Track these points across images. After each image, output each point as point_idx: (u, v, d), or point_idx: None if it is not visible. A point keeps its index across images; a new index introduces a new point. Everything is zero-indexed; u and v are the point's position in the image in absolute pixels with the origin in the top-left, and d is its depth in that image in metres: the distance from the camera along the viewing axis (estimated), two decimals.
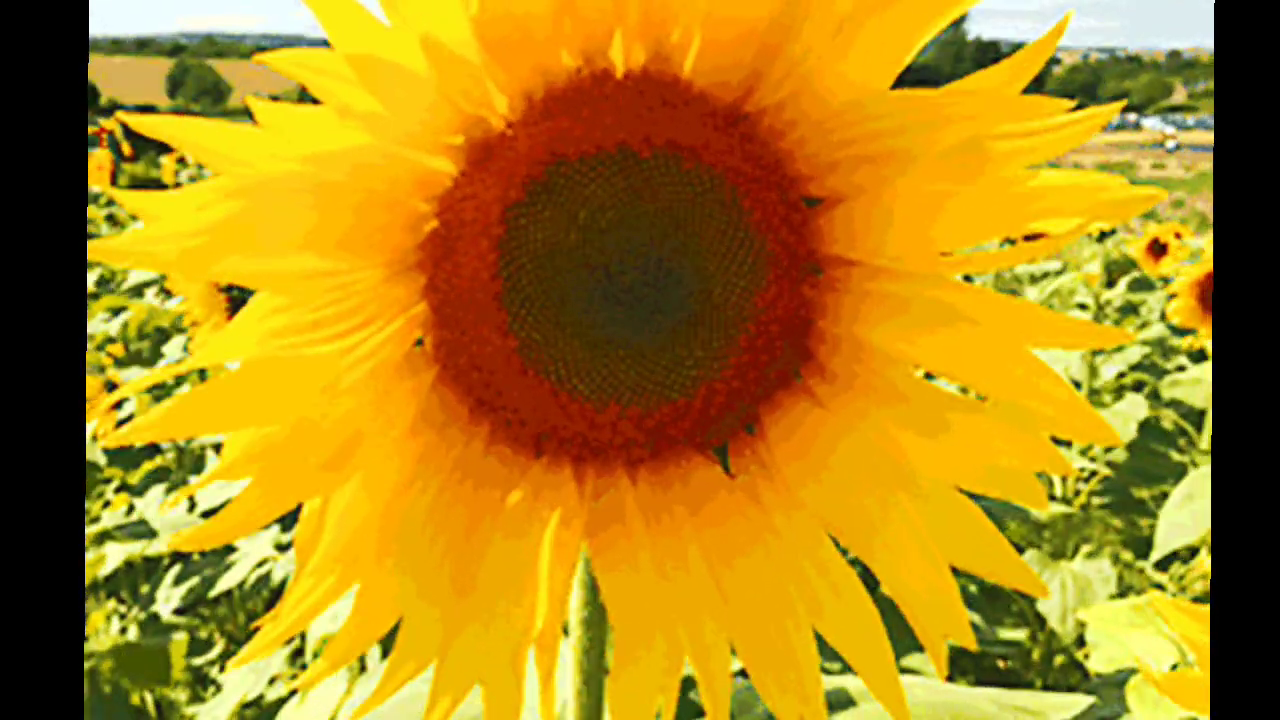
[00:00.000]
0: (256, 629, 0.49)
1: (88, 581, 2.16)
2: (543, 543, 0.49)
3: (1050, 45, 0.42)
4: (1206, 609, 0.51)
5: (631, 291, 0.51)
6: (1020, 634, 2.69)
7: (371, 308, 0.50)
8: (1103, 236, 3.04)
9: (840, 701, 0.83)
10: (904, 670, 0.50)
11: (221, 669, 2.41)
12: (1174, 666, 1.43)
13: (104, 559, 2.26)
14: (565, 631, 0.52)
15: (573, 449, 0.53)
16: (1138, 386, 3.48)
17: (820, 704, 0.47)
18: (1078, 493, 3.29)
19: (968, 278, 0.48)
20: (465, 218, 0.50)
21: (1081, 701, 0.80)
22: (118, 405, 2.67)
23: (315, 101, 0.45)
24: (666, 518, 0.51)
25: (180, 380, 2.82)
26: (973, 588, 2.99)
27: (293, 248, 0.45)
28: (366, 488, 0.49)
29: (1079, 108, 0.43)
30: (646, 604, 0.49)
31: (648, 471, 0.53)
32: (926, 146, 0.43)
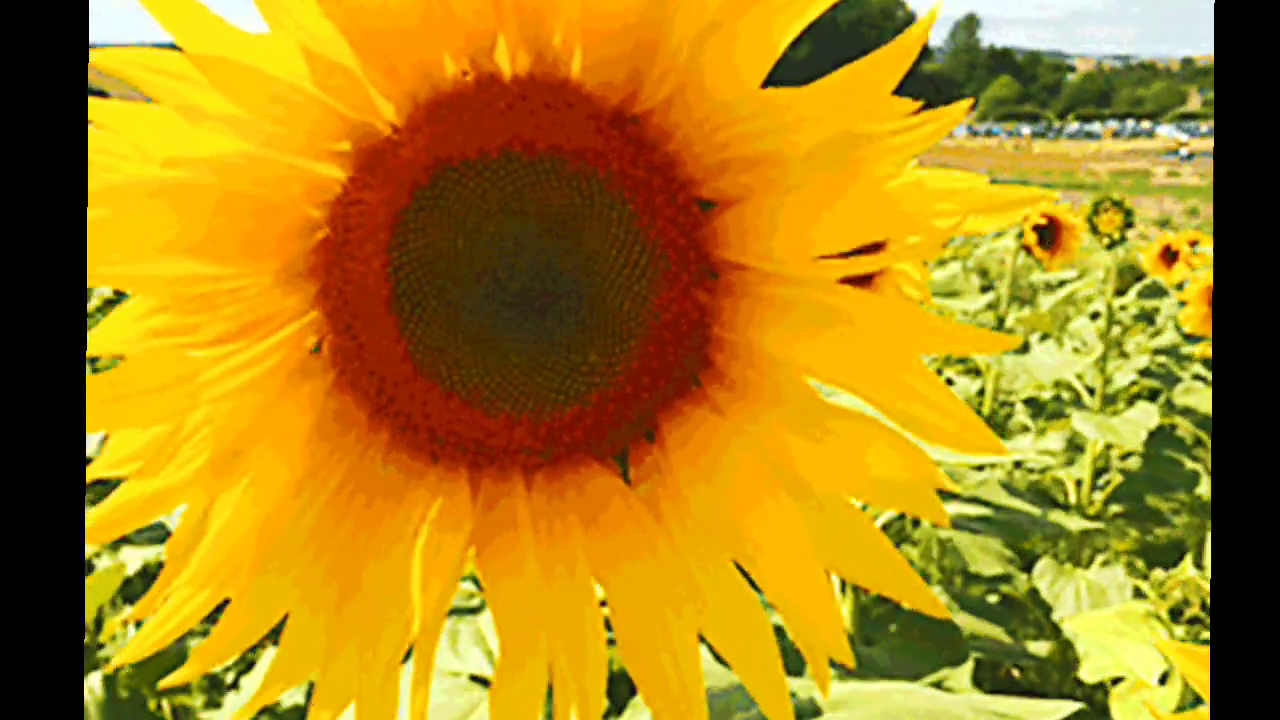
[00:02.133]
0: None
1: (111, 593, 2.18)
2: (426, 550, 0.48)
3: (917, 39, 0.41)
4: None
5: (523, 297, 0.50)
6: (1043, 648, 2.65)
7: (261, 312, 0.50)
8: (1112, 245, 3.00)
9: (808, 711, 0.82)
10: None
11: (236, 674, 2.42)
12: (1163, 676, 1.40)
13: (124, 566, 2.27)
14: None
15: (468, 455, 0.52)
16: (1152, 394, 3.42)
17: (701, 705, 0.46)
18: (1092, 501, 3.24)
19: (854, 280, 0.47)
20: (353, 224, 0.50)
21: (1065, 708, 0.78)
22: None
23: None
24: (559, 525, 0.51)
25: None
26: (991, 598, 2.95)
27: (157, 253, 0.45)
28: (253, 495, 0.49)
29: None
30: (531, 612, 0.48)
31: (544, 478, 0.52)
32: (791, 148, 0.42)
